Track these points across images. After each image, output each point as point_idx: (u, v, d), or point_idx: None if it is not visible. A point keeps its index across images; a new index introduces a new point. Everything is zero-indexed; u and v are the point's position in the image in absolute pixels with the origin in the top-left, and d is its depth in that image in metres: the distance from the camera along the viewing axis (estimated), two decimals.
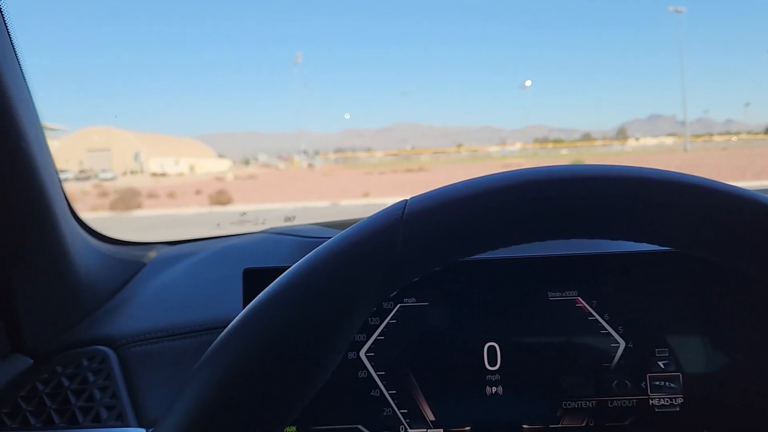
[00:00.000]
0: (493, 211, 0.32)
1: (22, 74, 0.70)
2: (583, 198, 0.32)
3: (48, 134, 0.76)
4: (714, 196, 0.32)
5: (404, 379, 0.66)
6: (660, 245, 0.34)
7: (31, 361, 0.77)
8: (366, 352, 0.66)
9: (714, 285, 0.66)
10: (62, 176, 0.81)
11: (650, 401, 0.65)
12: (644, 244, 0.34)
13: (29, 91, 0.71)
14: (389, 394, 0.66)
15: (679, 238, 0.33)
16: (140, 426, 0.70)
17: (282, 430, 0.32)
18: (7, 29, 0.67)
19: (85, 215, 0.90)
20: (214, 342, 0.32)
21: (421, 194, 0.35)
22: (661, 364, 0.65)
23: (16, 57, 0.68)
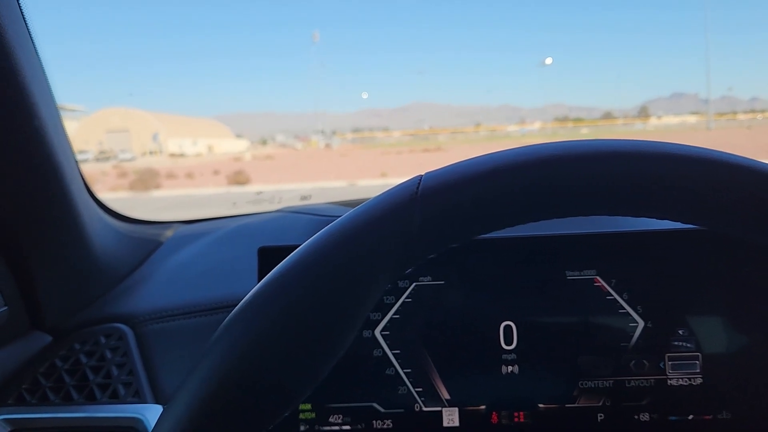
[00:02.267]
0: (510, 186, 0.31)
1: (37, 54, 0.70)
2: (604, 174, 0.31)
3: (67, 115, 0.76)
4: (746, 172, 0.31)
5: (419, 357, 0.66)
6: (685, 223, 0.33)
7: (50, 338, 0.78)
8: (381, 331, 0.66)
9: (735, 264, 0.65)
10: (82, 157, 0.81)
11: (668, 381, 0.64)
12: (665, 222, 0.33)
13: (44, 71, 0.71)
14: (404, 373, 0.66)
15: (706, 215, 0.32)
16: (157, 402, 0.71)
17: (296, 406, 0.32)
18: (21, 10, 0.67)
19: (105, 196, 0.90)
20: (228, 316, 0.32)
21: (436, 170, 0.34)
22: (680, 344, 0.64)
23: (31, 38, 0.68)
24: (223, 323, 0.32)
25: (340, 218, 0.33)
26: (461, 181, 0.32)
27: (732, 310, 0.65)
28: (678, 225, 0.33)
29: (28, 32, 0.68)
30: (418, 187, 0.32)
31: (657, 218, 0.33)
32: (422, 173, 0.34)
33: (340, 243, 0.32)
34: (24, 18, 0.67)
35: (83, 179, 0.82)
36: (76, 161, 0.80)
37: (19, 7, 0.66)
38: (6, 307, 0.70)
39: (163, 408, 0.32)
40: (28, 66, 0.64)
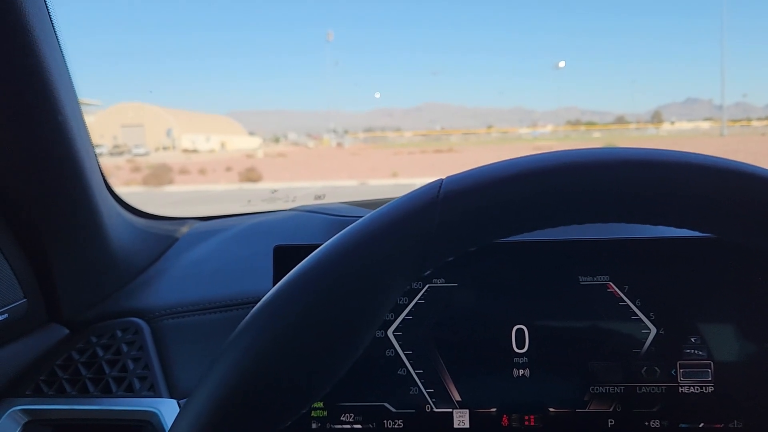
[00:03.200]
0: (530, 192, 0.32)
1: (61, 50, 0.71)
2: (623, 182, 0.32)
3: (84, 109, 0.77)
4: (761, 182, 0.31)
5: (431, 358, 0.66)
6: (702, 232, 0.33)
7: (67, 330, 0.79)
8: (394, 331, 0.67)
9: (749, 273, 0.65)
10: (97, 151, 0.82)
11: (680, 389, 0.64)
12: (681, 230, 0.33)
13: (67, 68, 0.72)
14: (416, 374, 0.66)
15: (722, 225, 0.32)
16: (171, 397, 0.72)
17: (312, 405, 0.33)
18: (47, 6, 0.68)
19: (118, 190, 0.91)
20: (249, 314, 0.33)
21: (457, 174, 0.34)
22: (692, 351, 0.64)
23: (54, 30, 0.69)
24: (243, 321, 0.33)
25: (361, 219, 0.34)
26: (482, 186, 0.32)
27: (745, 318, 0.65)
28: (693, 233, 0.34)
29: (54, 30, 0.69)
30: (439, 191, 0.33)
31: (675, 227, 0.33)
32: (435, 178, 0.34)
33: (361, 244, 0.32)
34: (50, 15, 0.68)
35: (102, 175, 0.83)
36: (97, 157, 0.81)
37: (46, 5, 0.67)
38: (24, 299, 0.71)
39: (182, 404, 0.33)
40: (54, 63, 0.65)
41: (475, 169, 0.34)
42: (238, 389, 0.31)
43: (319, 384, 0.33)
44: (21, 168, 0.67)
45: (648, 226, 0.33)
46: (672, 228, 0.33)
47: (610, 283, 0.65)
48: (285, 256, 0.68)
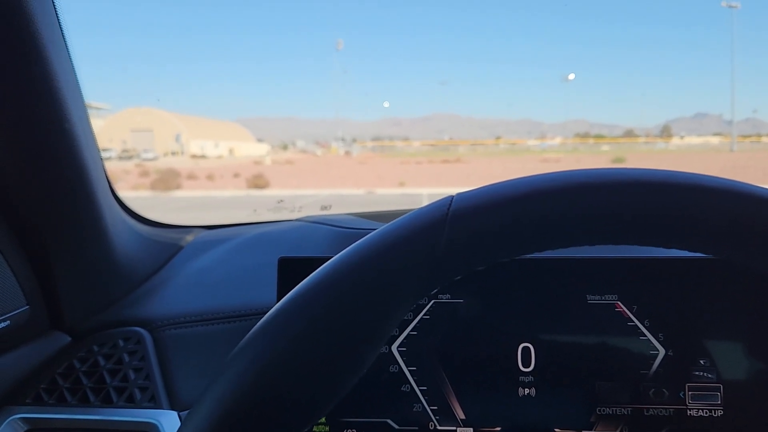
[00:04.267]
0: (541, 212, 0.31)
1: (69, 54, 0.71)
2: (632, 204, 0.31)
3: (92, 113, 0.76)
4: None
5: (436, 375, 0.65)
6: (719, 257, 0.32)
7: (69, 338, 0.79)
8: (398, 347, 0.66)
9: (759, 294, 0.64)
10: (106, 155, 0.82)
11: (688, 411, 0.63)
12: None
13: (75, 74, 0.72)
14: (420, 390, 0.65)
15: (735, 249, 0.31)
16: (172, 408, 0.71)
17: (316, 421, 0.32)
18: (56, 10, 0.68)
19: (126, 194, 0.91)
20: (253, 328, 0.32)
21: (468, 191, 0.34)
22: (701, 373, 0.63)
23: (63, 37, 0.69)
24: (248, 335, 0.32)
25: (369, 234, 0.33)
26: (493, 205, 0.32)
27: (755, 340, 0.64)
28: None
29: (62, 34, 0.69)
30: (449, 209, 0.32)
31: (689, 251, 0.32)
32: (442, 187, 0.34)
33: (368, 260, 0.32)
34: (59, 19, 0.68)
35: (108, 181, 0.83)
36: (102, 163, 0.81)
37: (54, 8, 0.67)
38: (27, 306, 0.70)
39: (183, 416, 0.32)
40: (61, 69, 0.65)
41: (486, 186, 0.34)
42: (240, 404, 0.30)
43: (323, 401, 0.32)
44: (25, 174, 0.67)
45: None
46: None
47: (619, 303, 0.65)
48: (289, 268, 0.68)
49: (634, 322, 0.64)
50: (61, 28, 0.69)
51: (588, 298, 0.65)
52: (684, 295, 0.64)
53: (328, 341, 0.31)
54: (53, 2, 0.67)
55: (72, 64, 0.71)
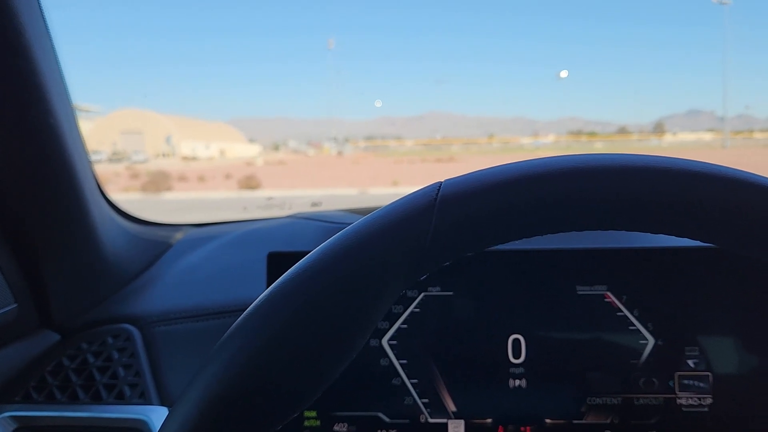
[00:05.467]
0: (528, 197, 0.31)
1: (55, 54, 0.70)
2: (621, 188, 0.31)
3: (82, 115, 0.76)
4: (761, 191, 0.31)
5: (426, 368, 0.65)
6: (705, 242, 0.32)
7: (58, 336, 0.78)
8: (388, 340, 0.66)
9: (750, 284, 0.64)
10: (96, 157, 0.82)
11: (677, 400, 0.63)
12: (679, 239, 0.33)
13: (61, 71, 0.71)
14: (411, 383, 0.65)
15: (727, 235, 0.31)
16: (163, 404, 0.71)
17: (302, 411, 0.32)
18: (41, 10, 0.67)
19: (117, 196, 0.91)
20: (238, 320, 0.32)
21: (456, 177, 0.34)
22: (690, 363, 0.64)
23: (49, 34, 0.68)
24: (233, 325, 0.32)
25: (358, 221, 0.33)
26: (481, 190, 0.32)
27: (744, 330, 0.64)
28: (692, 242, 0.33)
29: (47, 32, 0.68)
30: (437, 194, 0.32)
31: (676, 236, 0.32)
32: (441, 180, 0.34)
33: (354, 247, 0.32)
34: (44, 18, 0.68)
35: (96, 180, 0.83)
36: (90, 162, 0.80)
37: (39, 6, 0.67)
38: (15, 305, 0.70)
39: (170, 409, 0.32)
40: (46, 66, 0.65)
41: (475, 172, 0.33)
42: (226, 393, 0.30)
43: (309, 389, 0.32)
44: (12, 172, 0.66)
45: (647, 234, 0.33)
46: (671, 237, 0.33)
47: (608, 293, 0.65)
48: (279, 263, 0.68)
49: (623, 312, 0.64)
50: (46, 25, 0.68)
51: (577, 289, 0.65)
52: (672, 285, 0.65)
53: (316, 329, 0.31)
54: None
55: (58, 61, 0.71)
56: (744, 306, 0.64)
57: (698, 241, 0.33)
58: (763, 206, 0.31)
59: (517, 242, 0.33)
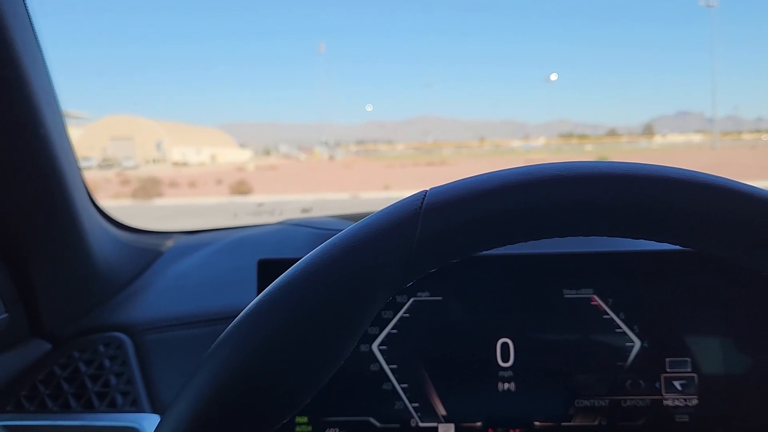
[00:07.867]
0: (514, 205, 0.32)
1: (43, 61, 0.70)
2: (605, 196, 0.32)
3: (72, 122, 0.77)
4: (745, 199, 0.32)
5: (416, 373, 0.66)
6: (686, 247, 0.33)
7: (50, 345, 0.78)
8: (378, 345, 0.66)
9: (734, 286, 0.65)
10: (86, 164, 0.82)
11: (664, 402, 0.64)
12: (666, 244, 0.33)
13: (50, 79, 0.72)
14: (401, 388, 0.66)
15: (706, 240, 0.32)
16: (154, 412, 0.71)
17: (292, 416, 0.33)
18: (29, 17, 0.67)
19: (107, 203, 0.91)
20: (229, 327, 0.33)
21: (442, 185, 0.34)
22: (676, 364, 0.64)
23: (37, 41, 0.69)
24: (224, 332, 0.33)
25: (345, 229, 0.34)
26: (466, 198, 0.32)
27: (729, 331, 0.65)
28: (676, 246, 0.34)
29: (36, 39, 0.68)
30: (422, 202, 0.33)
31: (656, 241, 0.33)
32: (427, 188, 0.34)
33: (342, 254, 0.32)
34: (32, 25, 0.68)
35: (86, 187, 0.83)
36: (80, 169, 0.80)
37: (27, 14, 0.67)
38: (6, 314, 0.70)
39: (161, 415, 0.33)
40: (35, 74, 0.65)
41: (460, 180, 0.34)
42: (218, 399, 0.31)
43: (299, 394, 0.32)
44: (1, 180, 0.66)
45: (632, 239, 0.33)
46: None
47: (594, 296, 0.65)
48: (269, 270, 0.68)
49: (609, 315, 0.65)
50: (34, 31, 0.68)
51: (564, 293, 0.66)
52: (658, 288, 0.65)
53: (306, 335, 0.31)
54: (25, 5, 0.66)
55: (46, 67, 0.71)
56: (729, 307, 0.65)
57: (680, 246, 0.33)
58: (743, 212, 0.32)
59: (503, 247, 0.34)
